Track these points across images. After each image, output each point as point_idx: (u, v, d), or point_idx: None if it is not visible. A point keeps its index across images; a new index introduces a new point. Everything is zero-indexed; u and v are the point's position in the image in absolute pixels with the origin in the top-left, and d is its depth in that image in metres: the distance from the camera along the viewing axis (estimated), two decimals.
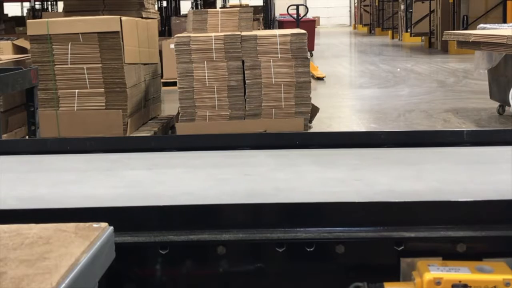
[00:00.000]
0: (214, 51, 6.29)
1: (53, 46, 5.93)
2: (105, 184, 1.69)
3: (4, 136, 5.07)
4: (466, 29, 16.08)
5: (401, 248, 1.35)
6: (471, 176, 1.68)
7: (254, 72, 6.36)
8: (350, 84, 12.03)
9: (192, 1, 20.58)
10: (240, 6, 18.40)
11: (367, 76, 12.81)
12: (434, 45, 19.12)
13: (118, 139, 2.17)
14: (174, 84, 6.81)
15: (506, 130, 2.05)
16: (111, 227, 1.09)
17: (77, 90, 6.00)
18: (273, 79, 6.37)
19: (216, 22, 6.81)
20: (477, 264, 1.29)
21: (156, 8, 10.96)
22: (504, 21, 13.06)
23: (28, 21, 6.32)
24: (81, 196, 1.58)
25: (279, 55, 6.36)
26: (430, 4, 20.07)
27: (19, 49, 7.41)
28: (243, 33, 6.47)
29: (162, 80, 8.01)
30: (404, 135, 2.05)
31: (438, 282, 1.25)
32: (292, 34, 6.42)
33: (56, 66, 5.97)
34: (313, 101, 6.70)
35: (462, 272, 1.26)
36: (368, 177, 1.68)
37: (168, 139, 2.11)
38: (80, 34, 5.92)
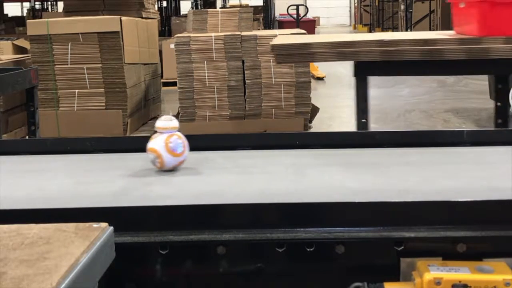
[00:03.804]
0: (214, 51, 6.29)
1: (53, 46, 5.93)
2: (105, 184, 1.69)
3: (4, 136, 5.07)
4: None
5: (401, 248, 1.35)
6: (471, 176, 1.68)
7: (254, 72, 6.36)
8: (350, 84, 12.01)
9: (192, 1, 20.57)
10: (240, 6, 18.39)
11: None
12: None
13: (118, 139, 2.17)
14: (174, 84, 6.81)
15: (506, 130, 2.05)
16: (111, 227, 1.09)
17: (77, 90, 6.00)
18: (273, 79, 6.37)
19: (216, 22, 6.81)
20: (477, 264, 1.29)
21: (156, 8, 10.96)
22: None
23: (28, 21, 6.32)
24: (81, 196, 1.58)
25: None
26: (430, 4, 20.06)
27: (19, 49, 7.40)
28: (243, 33, 6.46)
29: (162, 80, 8.01)
30: (404, 135, 2.05)
31: (438, 282, 1.25)
32: (292, 34, 6.42)
33: (56, 66, 5.97)
34: (313, 101, 6.70)
35: (462, 272, 1.26)
36: (368, 177, 1.68)
37: None
38: (80, 34, 5.92)
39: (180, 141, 1.72)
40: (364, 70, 3.73)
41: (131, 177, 1.76)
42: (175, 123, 1.74)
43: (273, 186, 1.61)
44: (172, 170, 1.74)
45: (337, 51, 3.63)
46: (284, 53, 3.74)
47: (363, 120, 3.86)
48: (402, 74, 4.61)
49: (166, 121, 1.73)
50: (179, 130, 1.75)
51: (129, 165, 1.89)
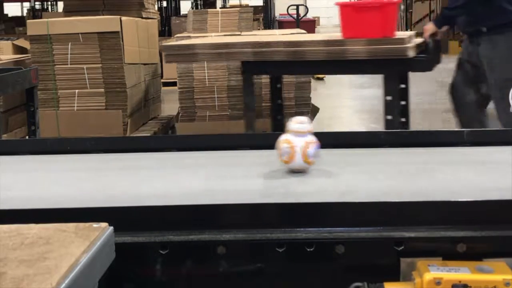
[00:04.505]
0: None
1: (53, 46, 5.92)
2: (105, 184, 1.70)
3: (4, 136, 5.07)
4: None
5: (401, 248, 1.35)
6: (471, 176, 1.68)
7: None
8: (350, 84, 12.02)
9: (192, 1, 20.56)
10: (240, 6, 18.38)
11: (367, 76, 12.79)
12: None
13: (118, 139, 2.17)
14: (174, 84, 6.81)
15: (506, 130, 2.05)
16: (111, 227, 1.09)
17: (77, 90, 5.99)
18: None
19: (216, 22, 6.80)
20: (477, 264, 1.29)
21: (156, 8, 10.95)
22: None
23: (28, 21, 6.32)
24: (81, 196, 1.58)
25: None
26: (430, 4, 20.05)
27: (19, 49, 7.40)
28: (243, 33, 6.46)
29: (162, 80, 8.00)
30: (404, 135, 2.05)
31: (438, 282, 1.25)
32: (292, 34, 6.41)
33: (56, 66, 5.96)
34: (313, 101, 6.69)
35: (462, 272, 1.26)
36: (368, 177, 1.68)
37: (168, 139, 2.11)
38: (80, 34, 5.91)
39: (286, 149, 1.67)
40: (248, 69, 4.05)
41: (131, 177, 1.76)
42: (300, 127, 1.68)
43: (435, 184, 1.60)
44: (304, 171, 1.70)
45: (217, 52, 3.93)
46: (173, 53, 4.02)
47: (249, 114, 4.21)
48: (277, 73, 4.96)
49: (296, 124, 1.68)
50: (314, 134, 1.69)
51: (129, 164, 1.89)
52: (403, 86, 4.43)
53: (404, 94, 4.51)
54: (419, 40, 3.99)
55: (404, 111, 4.52)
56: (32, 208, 1.41)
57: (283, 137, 1.69)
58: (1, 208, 1.36)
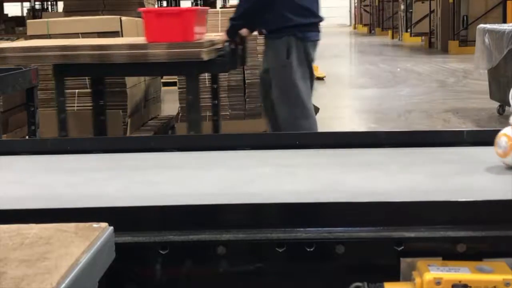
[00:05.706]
0: None
1: None
2: (105, 184, 1.70)
3: (4, 136, 5.07)
4: (466, 29, 16.08)
5: (401, 248, 1.35)
6: (471, 176, 1.68)
7: (254, 72, 6.35)
8: (350, 84, 12.02)
9: (192, 1, 20.57)
10: None
11: (367, 76, 12.80)
12: (434, 45, 19.11)
13: (118, 139, 2.17)
14: (174, 84, 6.81)
15: None
16: (111, 227, 1.09)
17: (77, 90, 5.99)
18: None
19: (216, 22, 6.80)
20: (477, 264, 1.29)
21: None
22: (504, 21, 13.04)
23: (28, 21, 6.32)
24: (81, 196, 1.58)
25: None
26: (430, 4, 20.06)
27: None
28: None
29: (162, 80, 8.00)
30: (404, 135, 2.05)
31: (438, 282, 1.25)
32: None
33: None
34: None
35: (462, 272, 1.26)
36: (368, 177, 1.68)
37: (168, 139, 2.11)
38: (80, 34, 5.91)
39: (503, 143, 1.65)
40: (58, 72, 4.24)
41: (131, 177, 1.76)
42: None
43: None
44: None
45: (27, 55, 4.08)
46: None
47: (61, 115, 4.31)
48: (87, 75, 5.22)
49: None
50: None
51: (129, 164, 1.90)
52: (214, 86, 5.05)
53: (215, 94, 5.09)
54: (219, 44, 4.21)
55: (216, 110, 5.08)
56: (32, 208, 1.41)
57: (503, 131, 1.67)
58: (1, 208, 1.36)
